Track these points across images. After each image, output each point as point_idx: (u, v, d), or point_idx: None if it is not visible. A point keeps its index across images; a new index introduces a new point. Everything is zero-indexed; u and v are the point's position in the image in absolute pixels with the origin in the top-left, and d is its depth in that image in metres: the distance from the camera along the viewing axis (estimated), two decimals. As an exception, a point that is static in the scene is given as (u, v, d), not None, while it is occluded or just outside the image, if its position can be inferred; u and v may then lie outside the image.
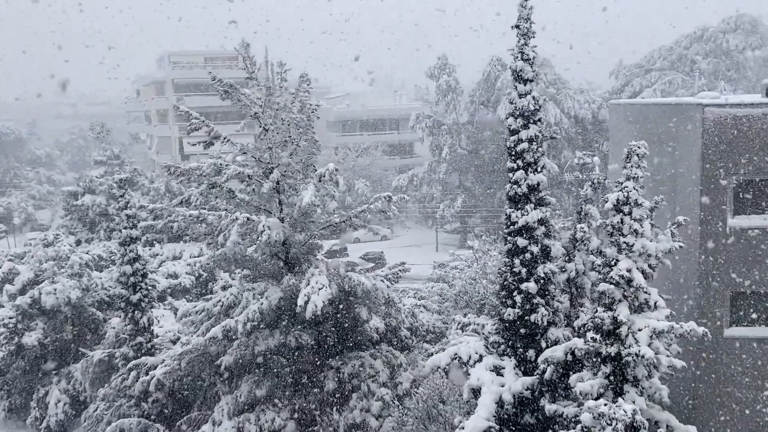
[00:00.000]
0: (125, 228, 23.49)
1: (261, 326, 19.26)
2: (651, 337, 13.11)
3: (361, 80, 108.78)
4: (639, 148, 13.72)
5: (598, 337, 13.65)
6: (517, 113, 15.98)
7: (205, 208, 19.77)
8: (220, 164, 19.32)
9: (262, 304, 18.61)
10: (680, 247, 14.21)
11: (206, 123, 19.75)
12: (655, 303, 13.66)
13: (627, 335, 13.16)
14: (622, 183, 13.71)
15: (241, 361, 19.08)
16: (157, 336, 25.45)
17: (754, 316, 17.84)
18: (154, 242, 41.43)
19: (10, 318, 27.61)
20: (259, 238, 18.43)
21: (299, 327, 19.74)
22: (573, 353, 14.37)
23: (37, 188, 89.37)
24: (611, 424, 11.83)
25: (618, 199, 13.64)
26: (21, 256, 38.47)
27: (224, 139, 19.87)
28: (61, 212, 49.31)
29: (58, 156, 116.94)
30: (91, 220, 44.29)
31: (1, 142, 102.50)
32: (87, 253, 31.94)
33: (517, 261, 16.27)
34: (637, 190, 13.57)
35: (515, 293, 16.32)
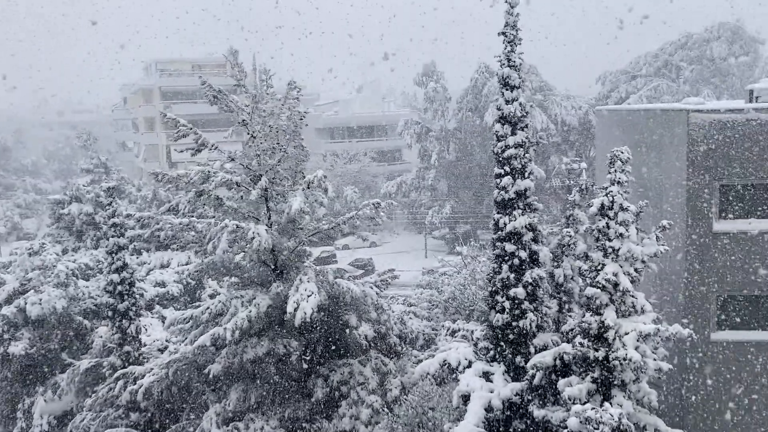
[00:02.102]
0: (112, 236, 23.35)
1: (250, 334, 19.19)
2: (638, 340, 13.18)
3: (350, 87, 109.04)
4: (622, 153, 13.84)
5: (585, 341, 13.72)
6: (504, 119, 16.07)
7: (193, 216, 19.69)
8: (208, 171, 19.26)
9: (250, 311, 18.54)
10: (665, 250, 14.32)
11: (194, 130, 19.70)
12: (642, 307, 13.75)
13: (614, 339, 13.23)
14: (607, 188, 13.82)
15: (229, 369, 18.99)
16: (145, 345, 25.27)
17: (740, 319, 17.98)
18: (142, 251, 41.19)
19: (-4, 328, 27.34)
20: (249, 246, 18.38)
21: (288, 334, 19.68)
22: (561, 358, 14.42)
23: (23, 197, 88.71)
24: (598, 428, 11.88)
25: (603, 204, 13.73)
26: (7, 265, 38.11)
27: (212, 146, 19.83)
28: (48, 221, 48.92)
29: (45, 165, 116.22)
30: (78, 229, 43.93)
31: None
32: (74, 262, 31.69)
33: (505, 266, 16.32)
34: (621, 194, 13.67)
35: (504, 299, 16.36)
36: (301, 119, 20.21)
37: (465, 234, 58.79)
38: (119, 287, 23.58)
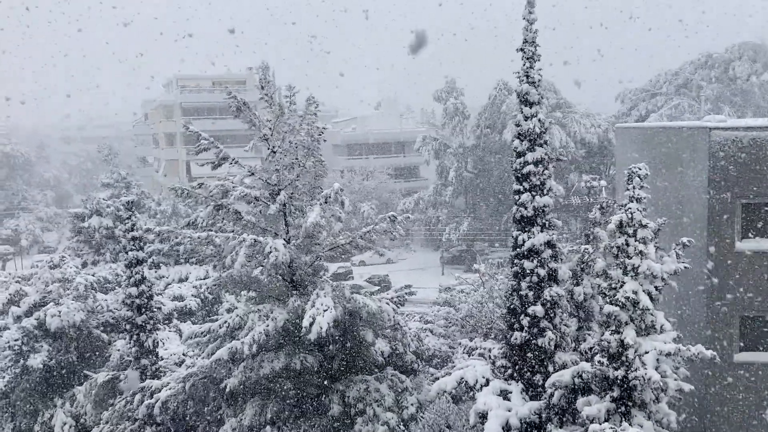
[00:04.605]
0: (131, 250, 23.54)
1: (267, 348, 19.19)
2: (658, 360, 12.98)
3: (368, 104, 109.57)
4: (640, 169, 13.72)
5: (605, 360, 13.54)
6: (523, 136, 16.03)
7: (211, 230, 19.81)
8: (227, 186, 19.42)
9: (268, 325, 18.55)
10: (685, 267, 14.14)
11: (215, 144, 19.90)
12: (661, 326, 13.56)
13: (634, 358, 13.04)
14: (625, 204, 13.70)
15: (246, 383, 18.97)
16: (162, 358, 25.35)
17: (764, 341, 17.67)
18: (161, 264, 41.47)
19: (16, 340, 27.55)
20: (266, 260, 18.44)
21: (304, 350, 19.64)
22: (580, 377, 14.23)
23: (44, 210, 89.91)
24: (619, 449, 11.69)
25: (622, 221, 13.60)
26: (28, 278, 38.54)
27: (233, 160, 20.00)
28: (68, 234, 49.51)
29: (66, 179, 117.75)
30: (98, 242, 44.41)
31: (10, 164, 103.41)
32: (93, 275, 31.97)
33: (523, 284, 16.19)
34: (640, 211, 13.53)
35: (522, 317, 16.21)
36: (320, 134, 20.33)
37: (473, 253, 58.52)
38: (137, 301, 23.73)
